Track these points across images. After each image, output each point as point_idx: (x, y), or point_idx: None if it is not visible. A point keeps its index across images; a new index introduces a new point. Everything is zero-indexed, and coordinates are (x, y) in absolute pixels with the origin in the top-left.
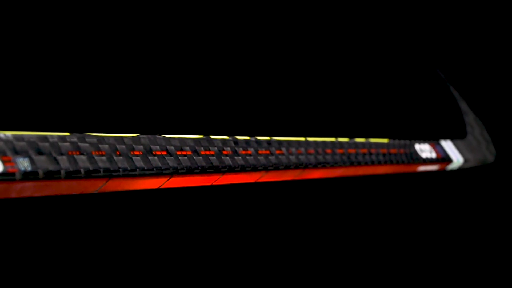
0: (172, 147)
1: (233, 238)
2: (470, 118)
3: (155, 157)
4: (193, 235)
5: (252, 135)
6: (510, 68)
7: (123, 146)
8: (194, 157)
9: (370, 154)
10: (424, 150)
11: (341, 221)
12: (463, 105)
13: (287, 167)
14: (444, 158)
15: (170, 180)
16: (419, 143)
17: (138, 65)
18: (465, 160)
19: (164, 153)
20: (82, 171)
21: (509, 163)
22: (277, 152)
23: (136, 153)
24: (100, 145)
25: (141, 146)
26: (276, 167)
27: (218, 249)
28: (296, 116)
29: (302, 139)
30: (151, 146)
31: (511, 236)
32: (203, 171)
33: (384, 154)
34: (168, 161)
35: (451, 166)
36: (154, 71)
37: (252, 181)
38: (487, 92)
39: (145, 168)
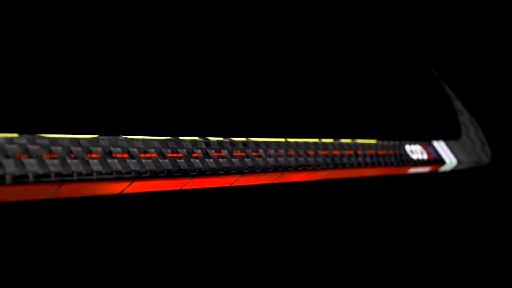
0: (135, 149)
1: (203, 248)
2: (465, 118)
3: (115, 160)
4: (157, 244)
5: (226, 136)
6: (506, 67)
7: (79, 149)
8: (160, 160)
9: (357, 156)
10: (415, 151)
11: (325, 228)
12: (458, 104)
13: (264, 170)
14: (437, 160)
15: (132, 184)
16: (410, 144)
17: (98, 58)
18: (459, 162)
19: (126, 155)
20: (31, 175)
21: (504, 164)
22: (254, 154)
23: (93, 156)
24: (52, 147)
25: (100, 148)
26: (252, 170)
27: (183, 261)
28: (277, 115)
29: (282, 140)
30: (111, 148)
31: (507, 240)
32: (169, 175)
33: (372, 156)
34: (130, 165)
35: (443, 168)
36: (116, 64)
37: (226, 185)
38: (483, 91)
39: (103, 172)
